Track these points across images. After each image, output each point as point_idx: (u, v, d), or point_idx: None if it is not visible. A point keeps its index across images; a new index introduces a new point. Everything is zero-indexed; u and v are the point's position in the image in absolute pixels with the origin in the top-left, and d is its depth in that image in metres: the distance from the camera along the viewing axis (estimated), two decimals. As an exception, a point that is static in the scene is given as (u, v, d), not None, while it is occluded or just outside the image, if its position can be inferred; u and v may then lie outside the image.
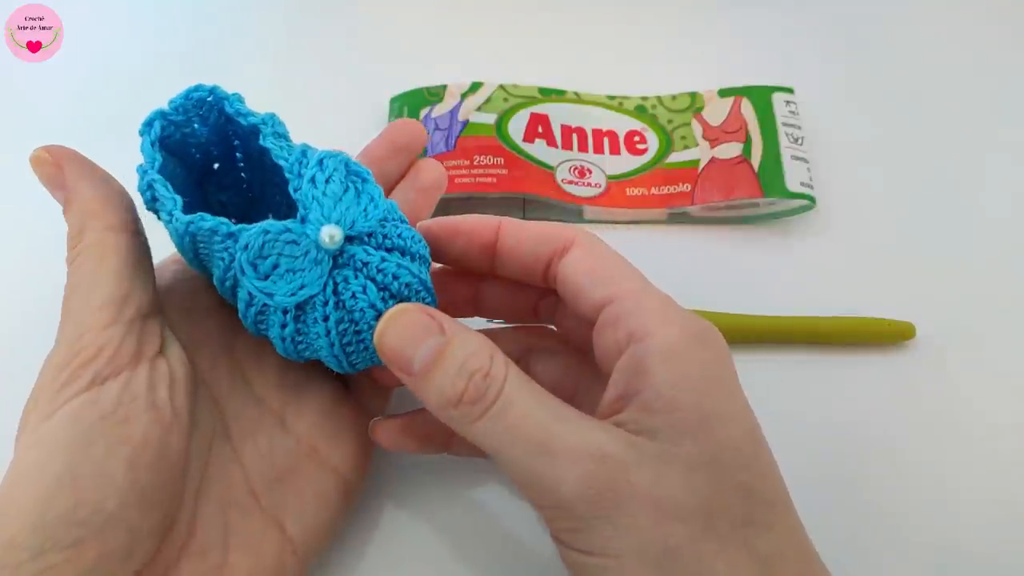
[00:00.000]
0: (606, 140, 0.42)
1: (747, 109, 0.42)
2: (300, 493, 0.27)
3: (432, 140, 0.41)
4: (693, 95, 0.43)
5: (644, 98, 0.43)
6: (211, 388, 0.27)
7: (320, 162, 0.25)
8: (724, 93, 0.43)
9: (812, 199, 0.39)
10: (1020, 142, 0.43)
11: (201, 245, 0.25)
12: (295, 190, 0.24)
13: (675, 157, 0.41)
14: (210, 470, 0.26)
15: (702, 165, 0.40)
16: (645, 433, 0.22)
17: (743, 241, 0.39)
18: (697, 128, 0.42)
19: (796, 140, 0.40)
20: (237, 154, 0.30)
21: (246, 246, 0.24)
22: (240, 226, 0.24)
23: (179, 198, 0.25)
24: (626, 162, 0.41)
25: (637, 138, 0.42)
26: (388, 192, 0.31)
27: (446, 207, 0.33)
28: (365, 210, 0.24)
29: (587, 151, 0.41)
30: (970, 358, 0.35)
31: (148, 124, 0.26)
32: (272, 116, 0.27)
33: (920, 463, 0.33)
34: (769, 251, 0.39)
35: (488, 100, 0.42)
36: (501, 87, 0.43)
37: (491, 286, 0.30)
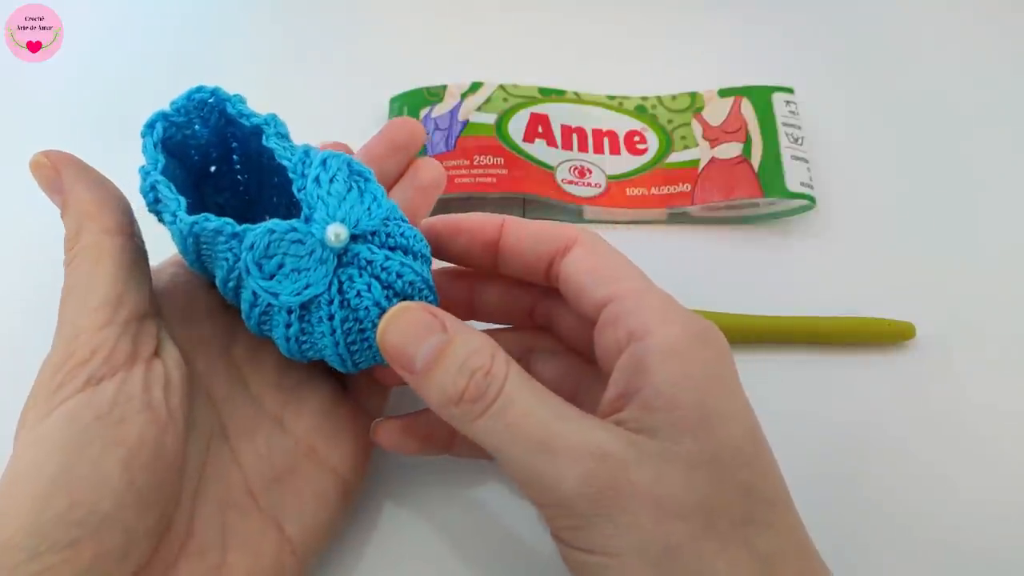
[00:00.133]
0: (606, 140, 0.42)
1: (747, 109, 0.42)
2: (299, 493, 0.27)
3: (432, 140, 0.41)
4: (693, 95, 0.43)
5: (644, 98, 0.43)
6: (209, 389, 0.27)
7: (323, 162, 0.25)
8: (724, 93, 0.43)
9: (812, 199, 0.39)
10: (1020, 142, 0.43)
11: (204, 246, 0.25)
12: (299, 190, 0.24)
13: (675, 157, 0.41)
14: (208, 471, 0.26)
15: (702, 165, 0.40)
16: (646, 431, 0.22)
17: (743, 241, 0.39)
18: (697, 128, 0.42)
19: (796, 140, 0.40)
20: (234, 156, 0.30)
21: (251, 246, 0.24)
22: (245, 226, 0.24)
23: (183, 199, 0.25)
24: (626, 162, 0.41)
25: (637, 138, 0.42)
26: (387, 191, 0.31)
27: (446, 207, 0.33)
28: (369, 209, 0.25)
29: (587, 151, 0.41)
30: (970, 358, 0.35)
31: (150, 126, 0.26)
32: (274, 117, 0.27)
33: (920, 463, 0.33)
34: (769, 251, 0.39)
35: (488, 100, 0.42)
36: (501, 87, 0.43)
37: (488, 290, 0.30)
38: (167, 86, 0.28)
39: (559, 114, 0.42)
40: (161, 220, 0.27)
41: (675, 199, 0.40)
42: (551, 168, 0.40)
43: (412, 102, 0.43)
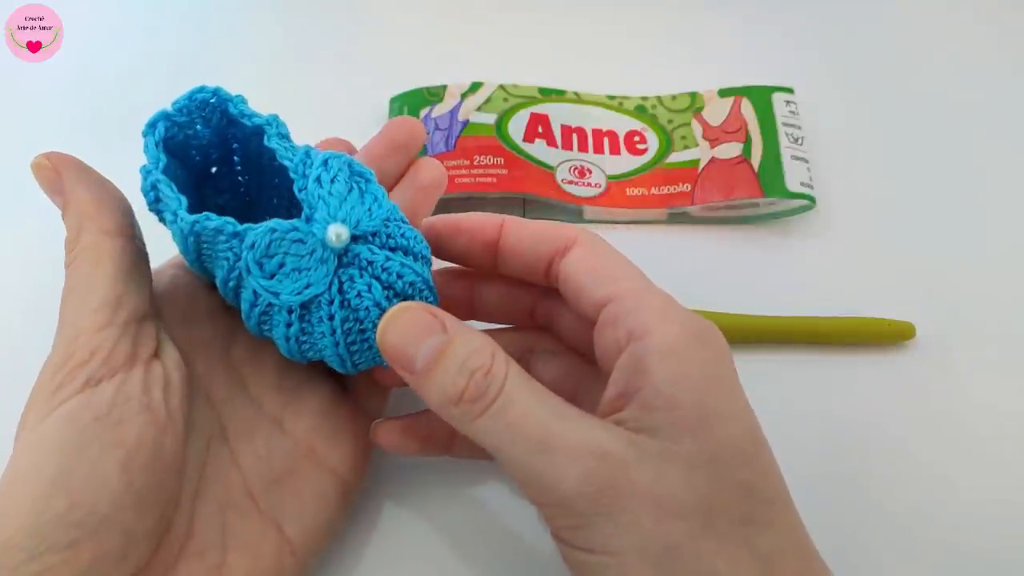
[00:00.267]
0: (606, 140, 0.42)
1: (747, 109, 0.42)
2: (298, 494, 0.27)
3: (432, 140, 0.41)
4: (693, 95, 0.43)
5: (644, 98, 0.43)
6: (208, 391, 0.27)
7: (325, 162, 0.25)
8: (724, 93, 0.43)
9: (812, 199, 0.39)
10: (1020, 142, 0.43)
11: (205, 245, 0.25)
12: (300, 190, 0.24)
13: (675, 157, 0.41)
14: (208, 472, 0.26)
15: (702, 165, 0.40)
16: (645, 431, 0.22)
17: (743, 241, 0.39)
18: (697, 128, 0.42)
19: (796, 140, 0.40)
20: (235, 157, 0.30)
21: (252, 245, 0.24)
22: (246, 225, 0.24)
23: (184, 198, 0.25)
24: (626, 162, 0.41)
25: (637, 138, 0.42)
26: (388, 191, 0.31)
27: (446, 207, 0.33)
28: (370, 210, 0.25)
29: (587, 151, 0.41)
30: (970, 358, 0.35)
31: (152, 125, 0.26)
32: (275, 117, 0.27)
33: (920, 463, 0.33)
34: (769, 251, 0.39)
35: (488, 100, 0.42)
36: (501, 87, 0.43)
37: (488, 290, 0.30)
38: (167, 86, 0.28)
39: (559, 114, 0.42)
40: (162, 220, 0.27)
41: (675, 199, 0.40)
42: (551, 168, 0.40)
43: (412, 102, 0.43)
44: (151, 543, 0.23)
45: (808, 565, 0.22)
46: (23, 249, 0.37)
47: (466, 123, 0.41)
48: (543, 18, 0.48)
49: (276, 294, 0.24)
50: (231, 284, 0.26)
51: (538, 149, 0.41)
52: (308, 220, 0.24)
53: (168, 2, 0.48)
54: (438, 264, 0.28)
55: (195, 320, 0.28)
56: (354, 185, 0.25)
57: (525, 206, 0.40)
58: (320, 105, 0.43)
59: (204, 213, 0.24)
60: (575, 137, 0.42)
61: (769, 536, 0.22)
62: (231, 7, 0.48)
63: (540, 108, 0.42)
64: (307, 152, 0.25)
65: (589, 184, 0.40)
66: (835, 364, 0.35)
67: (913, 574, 0.30)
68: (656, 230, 0.40)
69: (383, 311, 0.24)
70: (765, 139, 0.40)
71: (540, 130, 0.41)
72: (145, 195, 0.26)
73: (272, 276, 0.24)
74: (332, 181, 0.24)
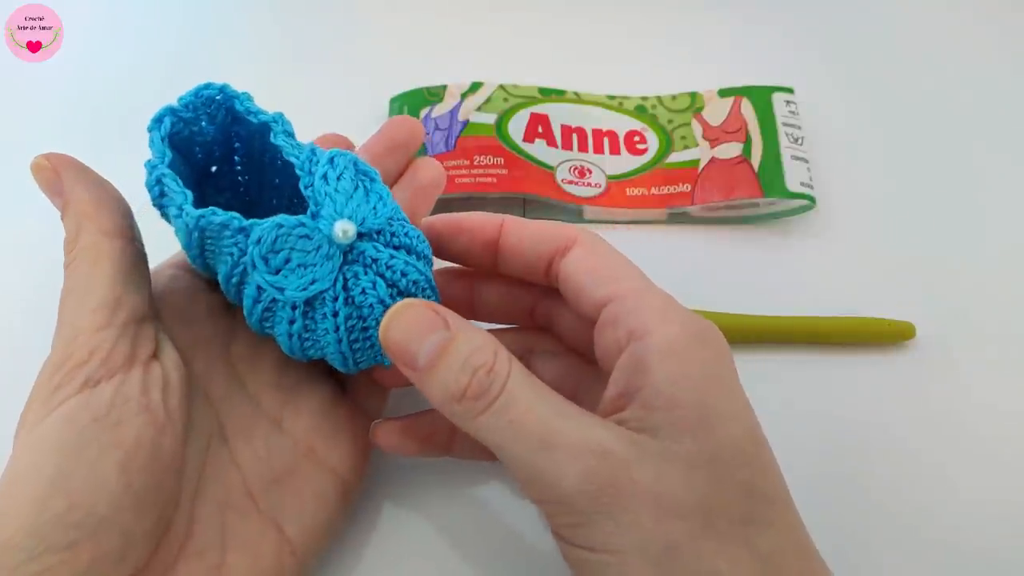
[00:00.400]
0: (606, 140, 0.42)
1: (747, 109, 0.42)
2: (298, 494, 0.27)
3: (432, 140, 0.41)
4: (693, 95, 0.43)
5: (644, 98, 0.43)
6: (207, 390, 0.27)
7: (331, 160, 0.25)
8: (724, 93, 0.43)
9: (812, 199, 0.39)
10: (1020, 142, 0.43)
11: (209, 241, 0.25)
12: (306, 187, 0.24)
13: (675, 157, 0.41)
14: (207, 472, 0.26)
15: (702, 165, 0.40)
16: (646, 431, 0.22)
17: (743, 241, 0.39)
18: (697, 128, 0.42)
19: (796, 140, 0.40)
20: (236, 157, 0.30)
21: (259, 240, 0.24)
22: (252, 220, 0.24)
23: (189, 192, 0.25)
24: (626, 162, 0.41)
25: (637, 138, 0.42)
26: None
27: (446, 207, 0.33)
28: (375, 208, 0.25)
29: (587, 151, 0.41)
30: (970, 358, 0.35)
31: (158, 120, 0.26)
32: (281, 115, 0.27)
33: (921, 463, 0.33)
34: (769, 251, 0.39)
35: (488, 100, 0.42)
36: (501, 87, 0.43)
37: (488, 290, 0.30)
38: (167, 86, 0.28)
39: (559, 114, 0.42)
40: (164, 215, 0.27)
41: (675, 199, 0.40)
42: (551, 168, 0.40)
43: (412, 102, 0.43)
44: (150, 543, 0.23)
45: (808, 565, 0.22)
46: (22, 249, 0.37)
47: (466, 123, 0.41)
48: (543, 18, 0.48)
49: (281, 290, 0.24)
50: (234, 280, 0.25)
51: (538, 149, 0.41)
52: (314, 216, 0.24)
53: (168, 2, 0.48)
54: (438, 264, 0.28)
55: (194, 319, 0.28)
56: (360, 183, 0.25)
57: (525, 206, 0.40)
58: (320, 105, 0.42)
59: (210, 208, 0.24)
60: (575, 137, 0.42)
61: (769, 536, 0.22)
62: (231, 7, 0.48)
63: (540, 108, 0.42)
64: (312, 150, 0.25)
65: (589, 184, 0.40)
66: (835, 364, 0.35)
67: (913, 574, 0.30)
68: (656, 230, 0.40)
69: (387, 309, 0.24)
70: (765, 139, 0.40)
71: (540, 130, 0.41)
72: (149, 190, 0.26)
73: (277, 272, 0.24)
74: (338, 178, 0.24)
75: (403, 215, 0.26)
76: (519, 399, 0.22)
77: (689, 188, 0.40)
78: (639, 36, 0.48)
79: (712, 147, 0.41)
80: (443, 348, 0.23)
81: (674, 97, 0.43)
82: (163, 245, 0.29)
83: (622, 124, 0.42)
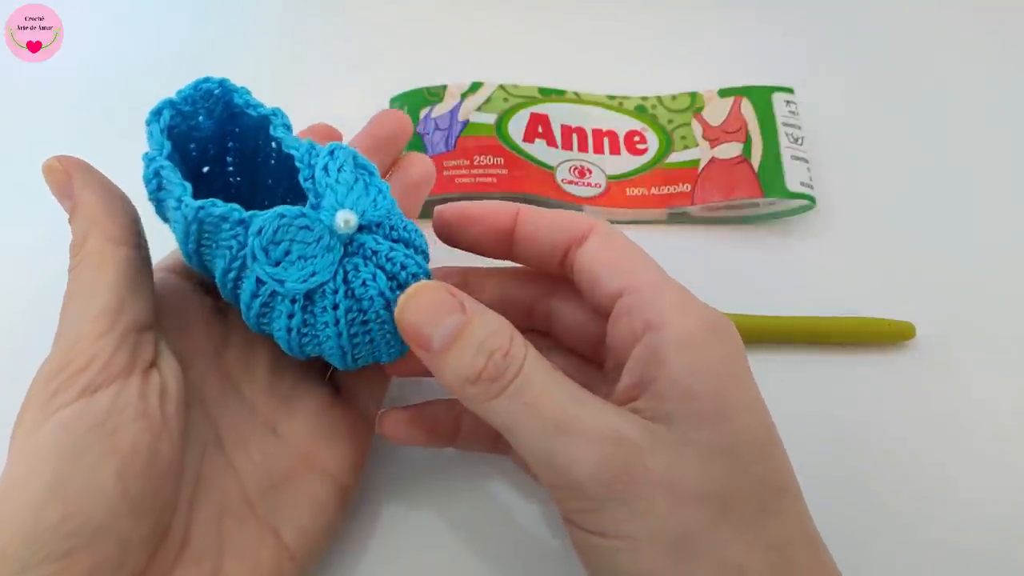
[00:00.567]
0: (606, 140, 0.42)
1: (747, 109, 0.42)
2: (295, 499, 0.27)
3: (432, 140, 0.41)
4: (693, 95, 0.43)
5: (644, 98, 0.43)
6: (202, 397, 0.27)
7: (331, 152, 0.25)
8: (724, 93, 0.43)
9: (812, 199, 0.39)
10: (1020, 142, 0.43)
11: (206, 235, 0.25)
12: (306, 179, 0.24)
13: (675, 157, 0.41)
14: (204, 479, 0.26)
15: (702, 165, 0.40)
16: (661, 420, 0.22)
17: (743, 241, 0.39)
18: (697, 128, 0.42)
19: (796, 140, 0.40)
20: (228, 157, 0.30)
21: (259, 231, 0.24)
22: (252, 212, 0.24)
23: (188, 184, 0.25)
24: (626, 162, 0.41)
25: (637, 138, 0.42)
26: None
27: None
28: (375, 200, 0.25)
29: (587, 151, 0.41)
30: (970, 358, 0.35)
31: (157, 112, 0.26)
32: (279, 109, 0.27)
33: (921, 463, 0.33)
34: (769, 251, 0.39)
35: (488, 100, 0.42)
36: (501, 87, 0.43)
37: (484, 290, 0.29)
38: (167, 86, 0.28)
39: (559, 114, 0.42)
40: (161, 209, 0.27)
41: (675, 199, 0.40)
42: (551, 168, 0.40)
43: (412, 102, 0.43)
44: (147, 550, 0.23)
45: (817, 555, 0.22)
46: (24, 249, 0.37)
47: (466, 123, 0.41)
48: (543, 18, 0.48)
49: (281, 282, 0.24)
50: (232, 275, 0.25)
51: (538, 149, 0.41)
52: (315, 207, 0.24)
53: (168, 2, 0.48)
54: (432, 264, 0.28)
55: (187, 323, 0.28)
56: (359, 176, 0.25)
57: (525, 206, 0.40)
58: (320, 105, 0.42)
59: (210, 199, 0.24)
60: (575, 137, 0.42)
61: (780, 525, 0.22)
62: (231, 8, 0.48)
63: (540, 108, 0.42)
64: (311, 143, 0.25)
65: (589, 184, 0.40)
66: (835, 364, 0.35)
67: (913, 574, 0.30)
68: (656, 230, 0.40)
69: (387, 301, 0.24)
70: (765, 139, 0.40)
71: (540, 130, 0.41)
72: (146, 183, 0.26)
73: (278, 263, 0.24)
74: (339, 170, 0.24)
75: (399, 210, 0.26)
76: (535, 383, 0.22)
77: (689, 188, 0.40)
78: (639, 36, 0.48)
79: (712, 147, 0.41)
80: (459, 331, 0.23)
81: (674, 97, 0.43)
82: (161, 245, 0.29)
83: (622, 124, 0.42)
